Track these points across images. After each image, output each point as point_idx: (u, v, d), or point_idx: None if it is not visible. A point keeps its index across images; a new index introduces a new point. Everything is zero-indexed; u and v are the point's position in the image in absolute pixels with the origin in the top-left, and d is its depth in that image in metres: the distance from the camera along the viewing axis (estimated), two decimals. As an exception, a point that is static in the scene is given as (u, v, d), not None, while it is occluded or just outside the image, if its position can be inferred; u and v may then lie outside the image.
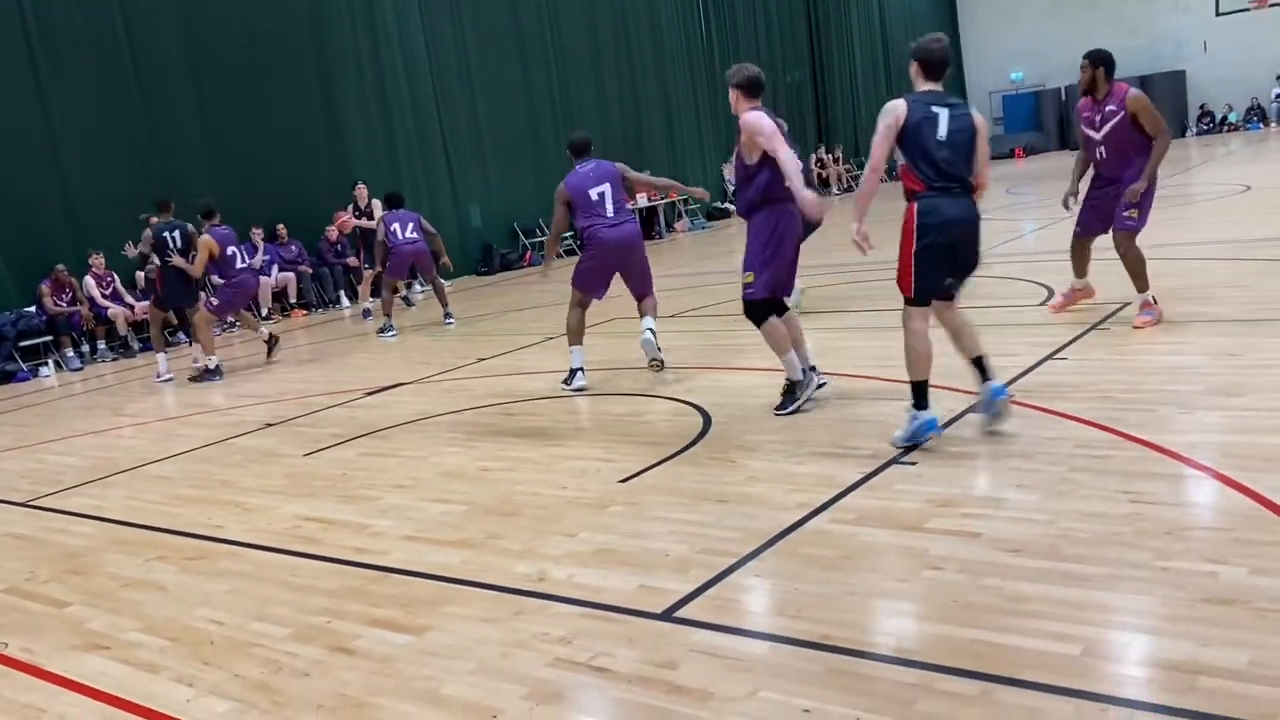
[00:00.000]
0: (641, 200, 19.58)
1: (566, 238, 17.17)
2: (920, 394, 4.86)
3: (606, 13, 21.31)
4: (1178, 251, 9.50)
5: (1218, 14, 31.29)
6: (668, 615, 3.49)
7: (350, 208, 14.50)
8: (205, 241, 10.20)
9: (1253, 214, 12.53)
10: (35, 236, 12.93)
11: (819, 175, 26.56)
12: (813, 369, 5.97)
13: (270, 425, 7.58)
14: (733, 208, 17.21)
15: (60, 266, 12.77)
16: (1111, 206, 6.92)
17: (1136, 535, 3.63)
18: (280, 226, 15.37)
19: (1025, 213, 16.97)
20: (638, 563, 4.00)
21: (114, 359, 13.02)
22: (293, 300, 15.30)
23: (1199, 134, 31.13)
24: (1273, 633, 2.87)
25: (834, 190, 26.89)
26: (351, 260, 15.88)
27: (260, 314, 14.82)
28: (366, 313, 13.61)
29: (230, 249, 10.37)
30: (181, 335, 13.16)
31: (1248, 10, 30.61)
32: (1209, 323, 6.79)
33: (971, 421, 5.26)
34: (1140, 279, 6.87)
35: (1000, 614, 3.18)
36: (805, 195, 5.65)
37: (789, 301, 6.08)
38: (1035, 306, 8.01)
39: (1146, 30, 31.85)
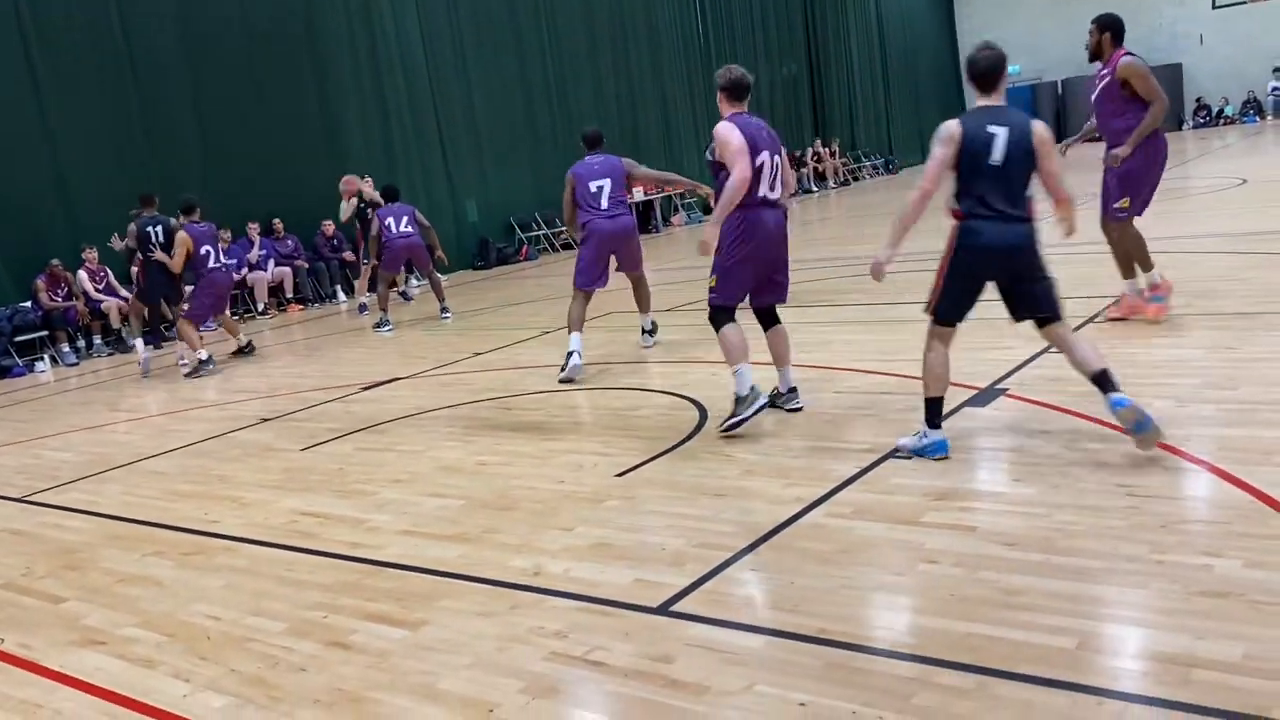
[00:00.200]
0: (638, 194, 19.56)
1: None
2: (933, 412, 4.66)
3: (603, 5, 21.27)
4: (1174, 245, 9.50)
5: (1214, 7, 31.29)
6: (664, 609, 3.49)
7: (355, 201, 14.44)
8: (181, 238, 10.26)
9: (1249, 207, 12.54)
10: (31, 232, 12.90)
11: (815, 169, 26.55)
12: (792, 390, 5.75)
13: (266, 420, 7.57)
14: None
15: (55, 261, 12.74)
16: (1108, 181, 6.85)
17: (1132, 529, 3.63)
18: (276, 221, 15.33)
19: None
20: (634, 557, 4.00)
21: (109, 354, 12.99)
22: (289, 295, 15.27)
23: (1195, 127, 31.14)
24: (1268, 626, 2.88)
25: (830, 184, 26.87)
26: (348, 255, 15.86)
27: (256, 309, 14.82)
28: (363, 307, 13.60)
29: (205, 247, 10.34)
30: (172, 332, 13.15)
31: (1244, 3, 30.60)
32: (1205, 316, 6.79)
33: (967, 415, 5.27)
34: (1141, 263, 6.78)
35: (996, 607, 3.19)
36: (708, 228, 5.44)
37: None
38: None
39: (1143, 23, 31.77)
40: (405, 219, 11.77)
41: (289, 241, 15.44)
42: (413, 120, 17.36)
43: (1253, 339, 6.03)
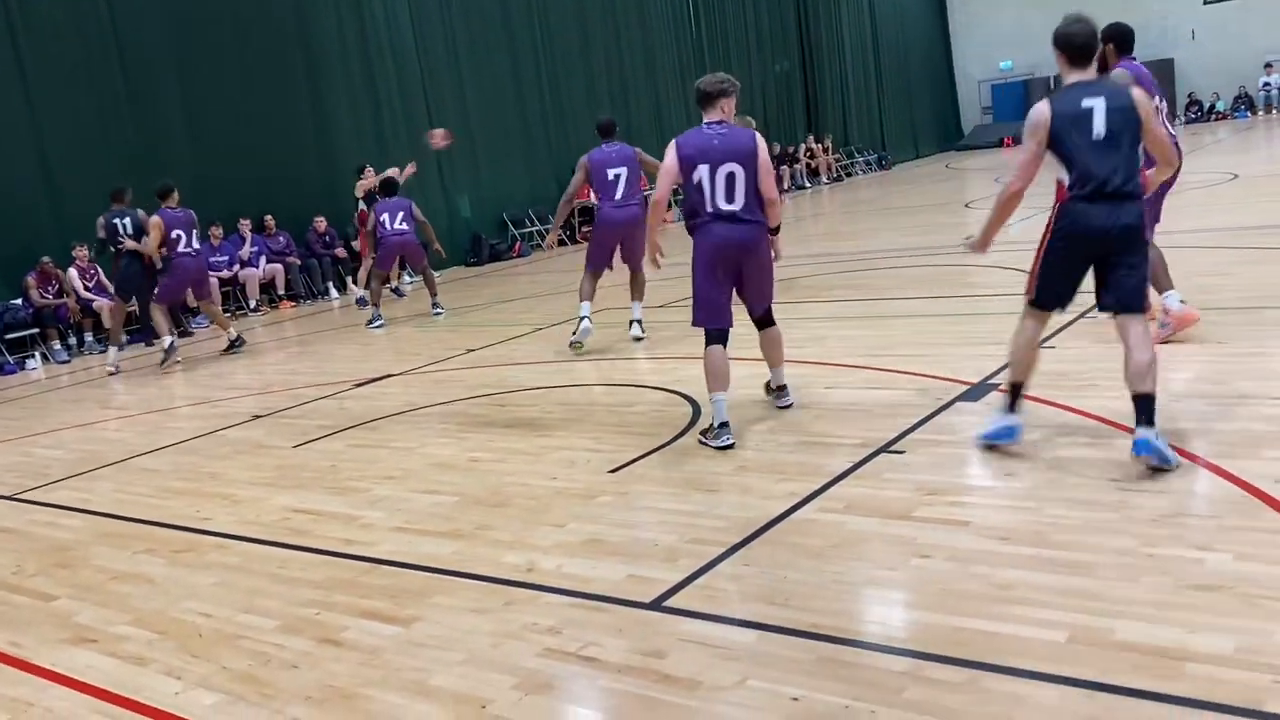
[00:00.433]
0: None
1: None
2: (1014, 396, 4.52)
3: (595, 1, 21.22)
4: (1166, 240, 9.48)
5: (1205, 2, 31.34)
6: (657, 605, 3.49)
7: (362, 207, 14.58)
8: (154, 221, 10.33)
9: (1241, 202, 12.57)
10: (21, 229, 12.83)
11: (808, 165, 26.54)
12: (782, 388, 5.70)
13: (259, 417, 7.55)
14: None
15: (46, 259, 12.68)
16: None
17: (1123, 522, 3.64)
18: (268, 218, 15.28)
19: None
20: (627, 552, 4.00)
21: (101, 351, 12.89)
22: (281, 292, 15.23)
23: (1187, 122, 31.17)
24: (1259, 618, 2.89)
25: (823, 180, 26.87)
26: (340, 251, 15.83)
27: (248, 306, 14.78)
28: (362, 300, 13.55)
29: (177, 231, 10.36)
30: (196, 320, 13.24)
31: (1236, -1, 30.67)
32: (1198, 310, 6.79)
33: (959, 410, 5.27)
34: (1155, 282, 6.19)
35: (988, 601, 3.19)
36: (652, 237, 5.64)
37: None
38: (1023, 295, 8.01)
39: (1134, 18, 31.70)
40: (401, 215, 11.70)
41: (281, 238, 15.39)
42: (404, 115, 17.29)
43: (1244, 334, 6.05)
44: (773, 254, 5.52)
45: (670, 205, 5.94)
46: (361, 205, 14.44)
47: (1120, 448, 4.36)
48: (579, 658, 3.19)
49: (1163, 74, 30.47)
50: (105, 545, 5.04)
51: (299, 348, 11.31)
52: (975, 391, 5.54)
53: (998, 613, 3.11)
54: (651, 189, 5.54)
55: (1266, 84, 30.66)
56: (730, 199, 5.19)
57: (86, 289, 13.04)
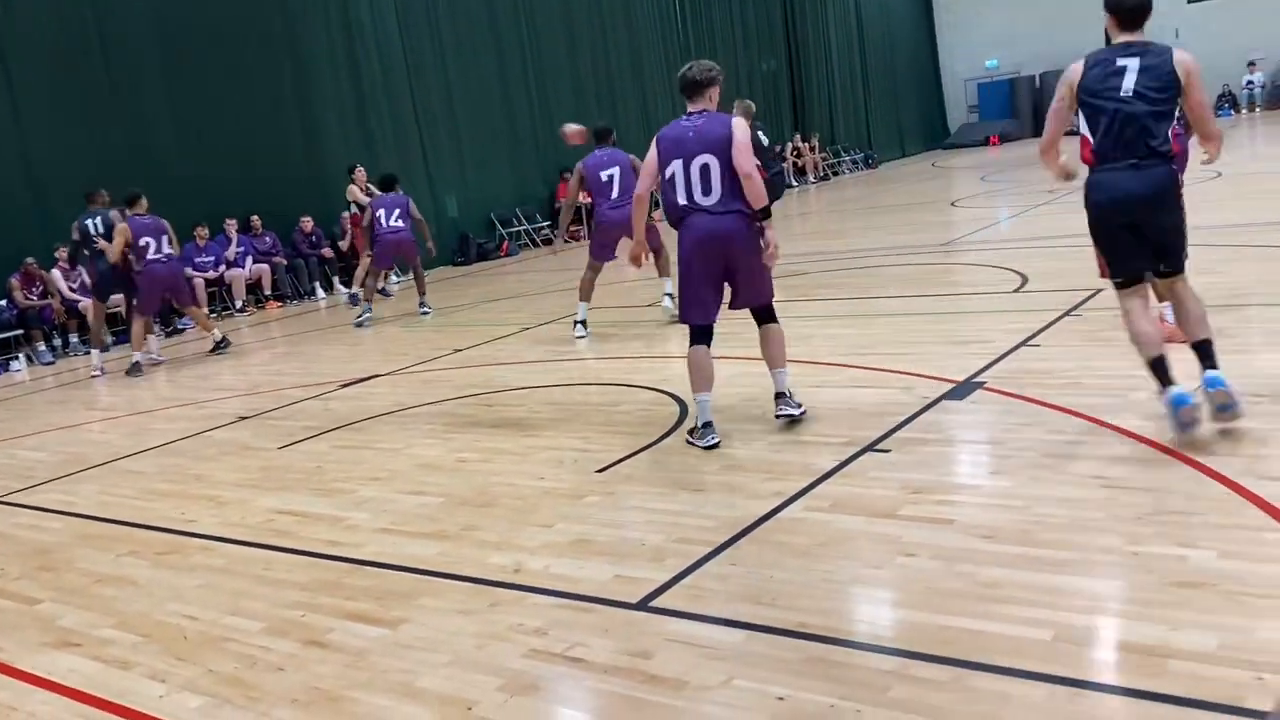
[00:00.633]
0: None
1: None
2: (1159, 372, 4.28)
3: (582, 1, 21.20)
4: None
5: (1189, 1, 31.49)
6: (643, 605, 3.49)
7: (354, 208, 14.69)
8: (120, 228, 10.33)
9: (1225, 200, 12.62)
10: (4, 230, 12.75)
11: (795, 164, 26.58)
12: (781, 396, 5.30)
13: (244, 418, 7.52)
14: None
15: (30, 260, 12.62)
16: None
17: (1108, 520, 3.66)
18: (254, 218, 15.23)
19: (999, 199, 17.06)
20: (614, 553, 4.00)
21: (86, 353, 12.82)
22: (267, 292, 15.18)
23: (1171, 121, 31.31)
24: (1242, 615, 2.90)
25: (810, 179, 26.92)
26: (326, 251, 15.79)
27: (235, 306, 14.72)
28: (354, 298, 13.55)
29: (144, 239, 10.31)
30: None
31: (1220, -2, 30.84)
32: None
33: (945, 408, 5.29)
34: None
35: (973, 600, 3.20)
36: (638, 235, 5.58)
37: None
38: (1008, 293, 8.06)
39: (1119, 18, 31.97)
40: (397, 212, 11.65)
41: (267, 238, 15.34)
42: (391, 114, 17.27)
43: (1226, 330, 6.06)
44: (766, 247, 5.12)
45: (658, 203, 5.86)
46: (354, 208, 14.52)
47: (1102, 445, 4.39)
48: (565, 658, 3.19)
49: (1147, 72, 30.58)
50: (89, 548, 5.02)
51: (285, 348, 11.27)
52: (961, 390, 5.55)
53: (983, 611, 3.12)
54: None
55: (1250, 82, 30.85)
56: (707, 192, 5.06)
57: (71, 290, 12.98)
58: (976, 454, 4.71)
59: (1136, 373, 5.46)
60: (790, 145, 26.95)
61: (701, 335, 5.24)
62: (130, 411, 8.57)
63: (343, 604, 3.86)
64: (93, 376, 10.64)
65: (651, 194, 5.49)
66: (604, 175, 8.70)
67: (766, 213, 5.09)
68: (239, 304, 14.78)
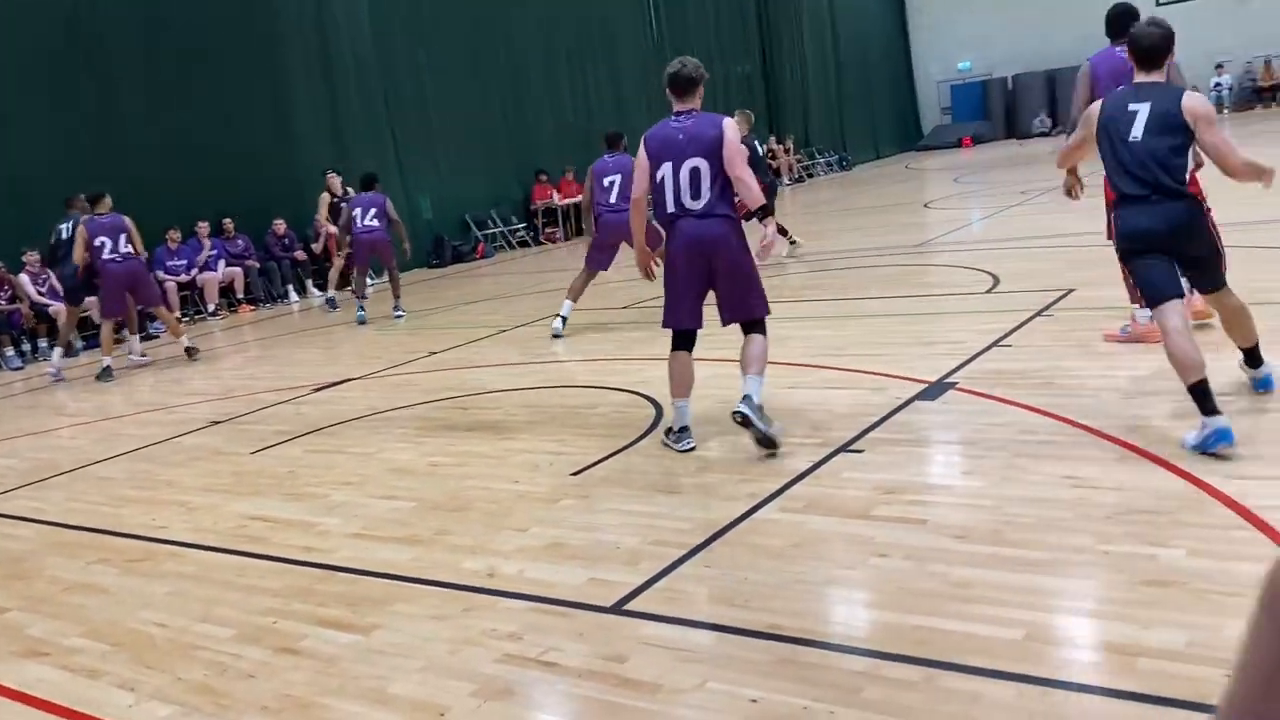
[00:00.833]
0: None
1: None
2: (1201, 398, 4.17)
3: (558, 5, 21.16)
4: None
5: (1158, 4, 31.83)
6: (617, 608, 3.48)
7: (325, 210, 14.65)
8: (79, 231, 10.26)
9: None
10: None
11: (770, 166, 26.63)
12: (747, 398, 4.87)
13: (216, 423, 7.46)
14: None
15: (-2, 263, 12.47)
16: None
17: (1078, 520, 3.68)
18: (227, 221, 15.10)
19: (972, 201, 17.18)
20: (588, 556, 3.99)
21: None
22: (240, 295, 15.05)
23: (1142, 122, 31.64)
24: (1210, 613, 2.93)
25: (784, 181, 26.99)
26: (299, 254, 15.68)
27: (207, 310, 14.60)
28: (331, 301, 13.44)
29: (100, 239, 10.17)
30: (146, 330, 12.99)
31: (1187, 0, 31.16)
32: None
33: (917, 409, 5.31)
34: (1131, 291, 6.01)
35: (945, 600, 3.22)
36: (639, 241, 5.52)
37: None
38: (981, 294, 8.11)
39: (1091, 20, 32.29)
40: (372, 212, 11.52)
41: (239, 241, 15.20)
42: (364, 115, 17.17)
43: (1199, 332, 6.12)
44: (765, 241, 5.03)
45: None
46: (322, 215, 14.56)
47: (1073, 445, 4.42)
48: (539, 663, 3.18)
49: (1117, 75, 30.88)
50: (58, 555, 4.95)
51: (258, 352, 11.18)
52: (933, 390, 5.58)
53: (955, 611, 3.13)
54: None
55: (1218, 84, 31.20)
56: (696, 196, 4.96)
57: (40, 294, 12.82)
58: (949, 454, 4.74)
59: (1107, 373, 5.53)
60: (765, 147, 27.01)
61: (683, 341, 5.18)
62: (101, 417, 8.48)
63: (315, 610, 3.84)
64: (48, 374, 10.59)
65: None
66: (606, 180, 9.03)
67: (768, 210, 5.08)
68: (211, 308, 14.64)
